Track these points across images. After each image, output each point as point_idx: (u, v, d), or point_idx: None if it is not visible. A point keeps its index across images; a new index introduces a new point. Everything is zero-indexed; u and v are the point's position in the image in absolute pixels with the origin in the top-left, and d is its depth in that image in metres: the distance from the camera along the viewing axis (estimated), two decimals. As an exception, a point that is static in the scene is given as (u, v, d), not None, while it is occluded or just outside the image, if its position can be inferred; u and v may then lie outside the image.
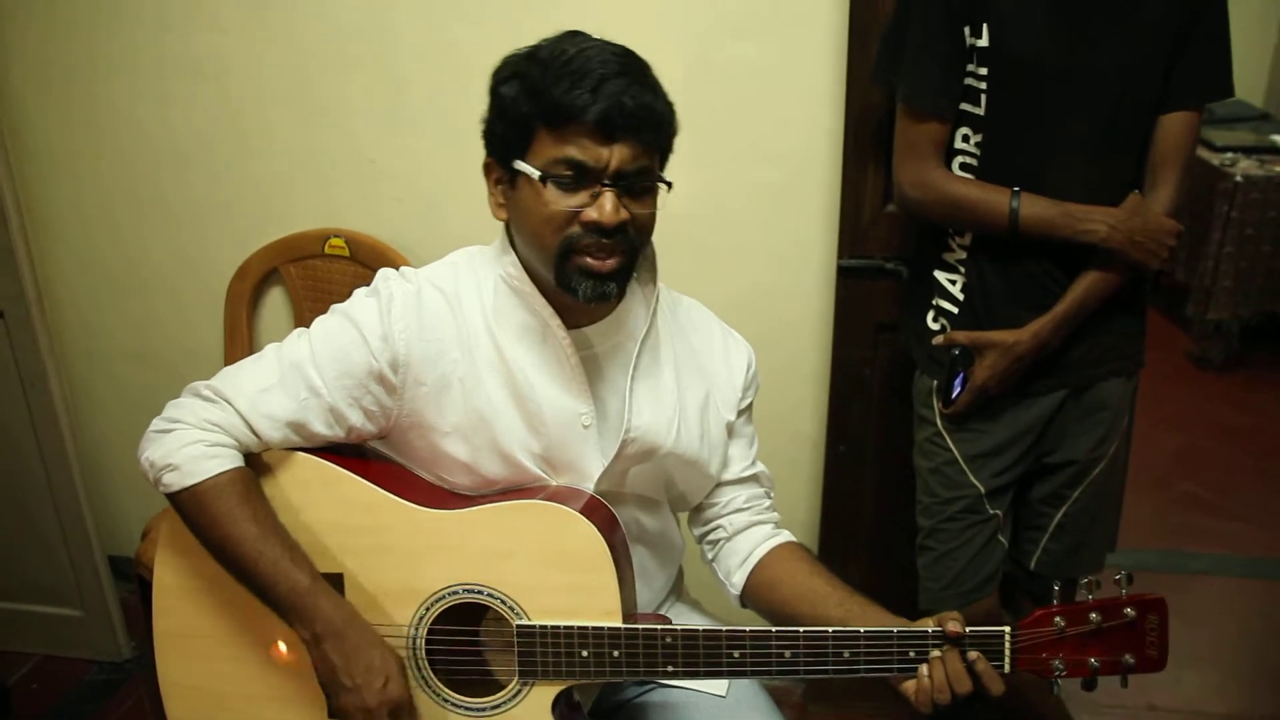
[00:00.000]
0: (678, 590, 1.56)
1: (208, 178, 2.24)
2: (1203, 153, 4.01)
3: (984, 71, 1.63)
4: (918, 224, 1.90)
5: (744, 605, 1.44)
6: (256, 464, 1.27)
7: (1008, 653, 1.17)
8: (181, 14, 2.11)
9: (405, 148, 2.14)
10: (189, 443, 1.22)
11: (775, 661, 1.19)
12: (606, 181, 1.16)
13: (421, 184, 2.16)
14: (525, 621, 1.22)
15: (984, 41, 1.61)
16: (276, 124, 2.17)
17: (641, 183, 1.20)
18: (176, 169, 2.24)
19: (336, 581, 1.25)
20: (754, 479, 1.46)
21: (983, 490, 1.77)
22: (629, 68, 1.17)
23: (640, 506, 1.37)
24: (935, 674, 1.17)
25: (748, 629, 1.20)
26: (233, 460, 1.23)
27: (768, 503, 1.47)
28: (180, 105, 2.18)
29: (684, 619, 1.51)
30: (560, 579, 1.21)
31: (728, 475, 1.44)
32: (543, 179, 1.17)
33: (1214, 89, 1.65)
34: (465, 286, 1.29)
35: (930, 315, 1.81)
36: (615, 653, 1.20)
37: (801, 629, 1.19)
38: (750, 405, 1.46)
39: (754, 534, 1.44)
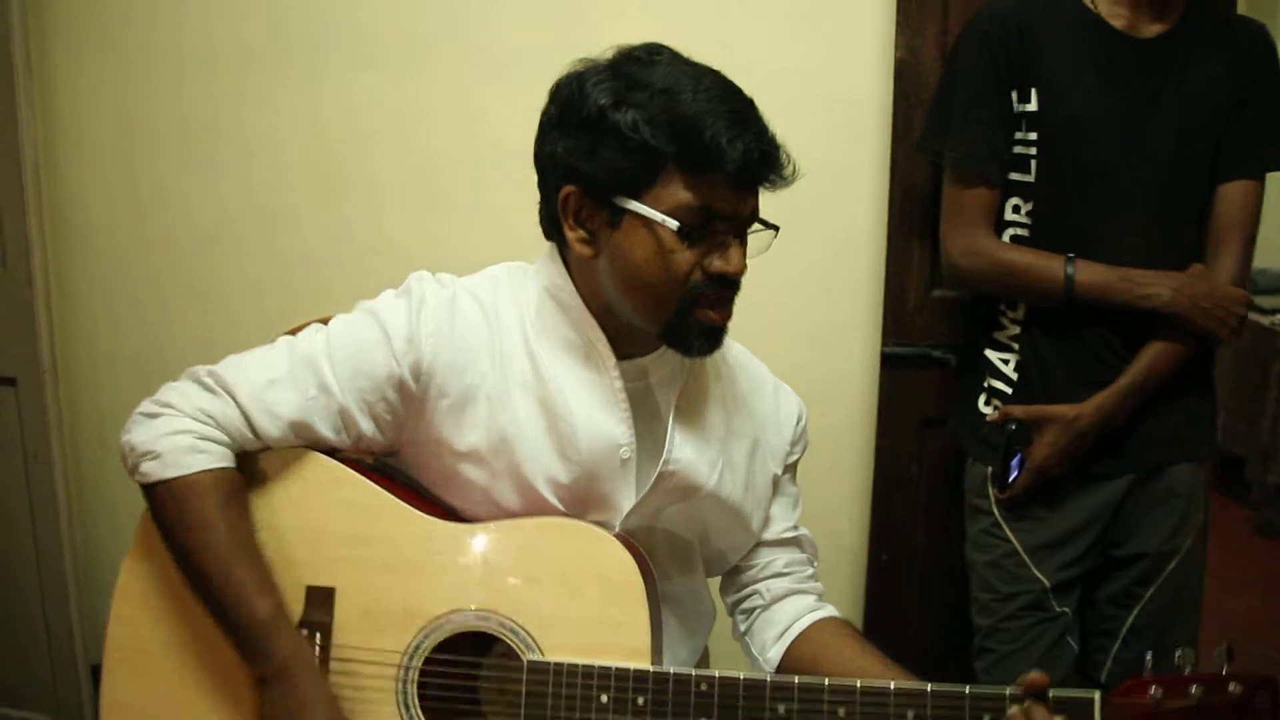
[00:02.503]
0: (704, 666, 1.39)
1: (239, 256, 2.20)
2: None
3: (1033, 137, 1.59)
4: (967, 305, 1.82)
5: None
6: (257, 453, 1.15)
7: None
8: (230, 90, 2.12)
9: (436, 226, 2.10)
10: (176, 431, 1.10)
11: (827, 717, 1.02)
12: (736, 232, 1.08)
13: (455, 260, 2.11)
14: (537, 657, 1.06)
15: (1033, 106, 1.58)
16: (305, 204, 2.14)
17: (754, 228, 1.11)
18: (208, 248, 2.21)
19: (327, 596, 1.11)
20: (795, 543, 1.32)
21: (1048, 584, 1.61)
22: (751, 104, 1.09)
23: (671, 555, 1.23)
24: None
25: (796, 679, 1.04)
26: (220, 459, 1.11)
27: (810, 571, 1.33)
28: (228, 181, 2.16)
29: None
30: (584, 610, 1.07)
31: (768, 535, 1.30)
32: (679, 228, 1.05)
33: (1274, 155, 1.59)
34: (504, 299, 1.18)
35: (982, 399, 1.71)
36: (640, 700, 1.04)
37: (859, 682, 1.03)
38: (796, 464, 1.34)
39: (794, 604, 1.29)
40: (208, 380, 1.14)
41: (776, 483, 1.30)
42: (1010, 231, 1.64)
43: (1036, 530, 1.63)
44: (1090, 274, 1.55)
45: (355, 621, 1.11)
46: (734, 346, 1.33)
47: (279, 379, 1.13)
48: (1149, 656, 1.01)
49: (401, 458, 1.19)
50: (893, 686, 1.02)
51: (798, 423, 1.32)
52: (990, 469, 1.67)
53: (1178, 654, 1.00)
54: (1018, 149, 1.61)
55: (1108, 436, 1.59)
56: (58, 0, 2.10)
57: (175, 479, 1.08)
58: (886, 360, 1.92)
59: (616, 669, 1.04)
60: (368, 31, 2.04)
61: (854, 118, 1.91)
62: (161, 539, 1.11)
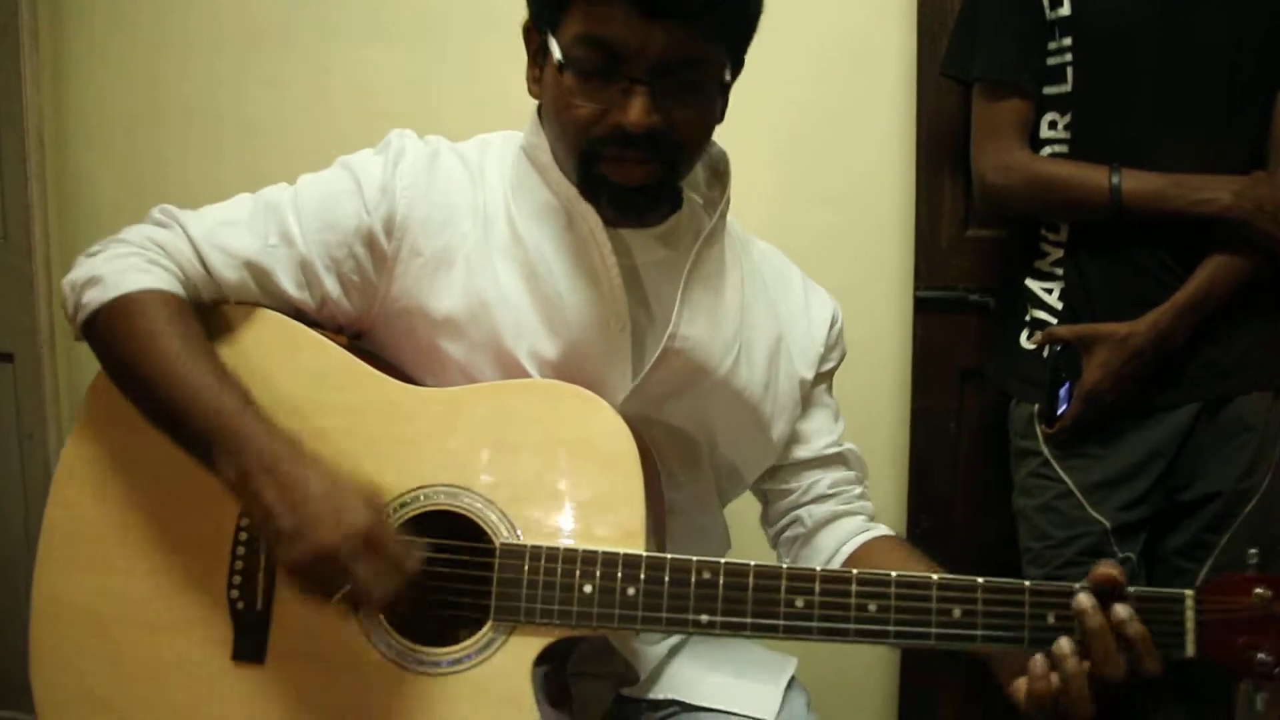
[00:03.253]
0: None
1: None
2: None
3: (1068, 43, 1.46)
4: (1004, 244, 1.68)
5: None
6: (210, 314, 1.03)
7: (1190, 625, 0.83)
8: (236, 71, 2.06)
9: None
10: (121, 256, 0.99)
11: (855, 617, 0.87)
12: (641, 76, 0.92)
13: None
14: (512, 540, 0.93)
15: (1065, 9, 1.45)
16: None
17: (687, 76, 0.94)
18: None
19: None
20: (840, 459, 1.18)
21: (1108, 525, 1.44)
22: None
23: (674, 451, 1.08)
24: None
25: (818, 568, 0.89)
26: (168, 284, 0.99)
27: (858, 490, 1.18)
28: (233, 163, 2.10)
29: (723, 650, 1.18)
30: (568, 484, 0.94)
31: (806, 452, 1.16)
32: (561, 65, 0.93)
33: None
34: (492, 161, 1.08)
35: (1024, 334, 1.55)
36: (630, 590, 0.89)
37: (894, 573, 0.88)
38: (832, 373, 1.20)
39: (841, 527, 1.15)
40: (160, 216, 1.04)
41: (807, 392, 1.16)
42: (1048, 150, 1.50)
43: (1092, 468, 1.46)
44: (1139, 181, 1.41)
45: None
46: (759, 243, 1.21)
47: (237, 221, 1.03)
48: (1253, 553, 0.84)
49: (373, 338, 1.07)
50: (935, 579, 0.87)
51: (831, 325, 1.18)
52: (1036, 406, 1.51)
53: None
54: (1051, 60, 1.48)
55: (1166, 362, 1.44)
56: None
57: (118, 297, 0.97)
58: (920, 305, 1.78)
59: (604, 553, 0.90)
60: (379, 6, 1.97)
61: (876, 51, 1.79)
62: (108, 371, 0.99)
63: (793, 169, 1.82)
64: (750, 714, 1.07)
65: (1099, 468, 1.46)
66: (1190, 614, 0.83)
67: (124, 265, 0.98)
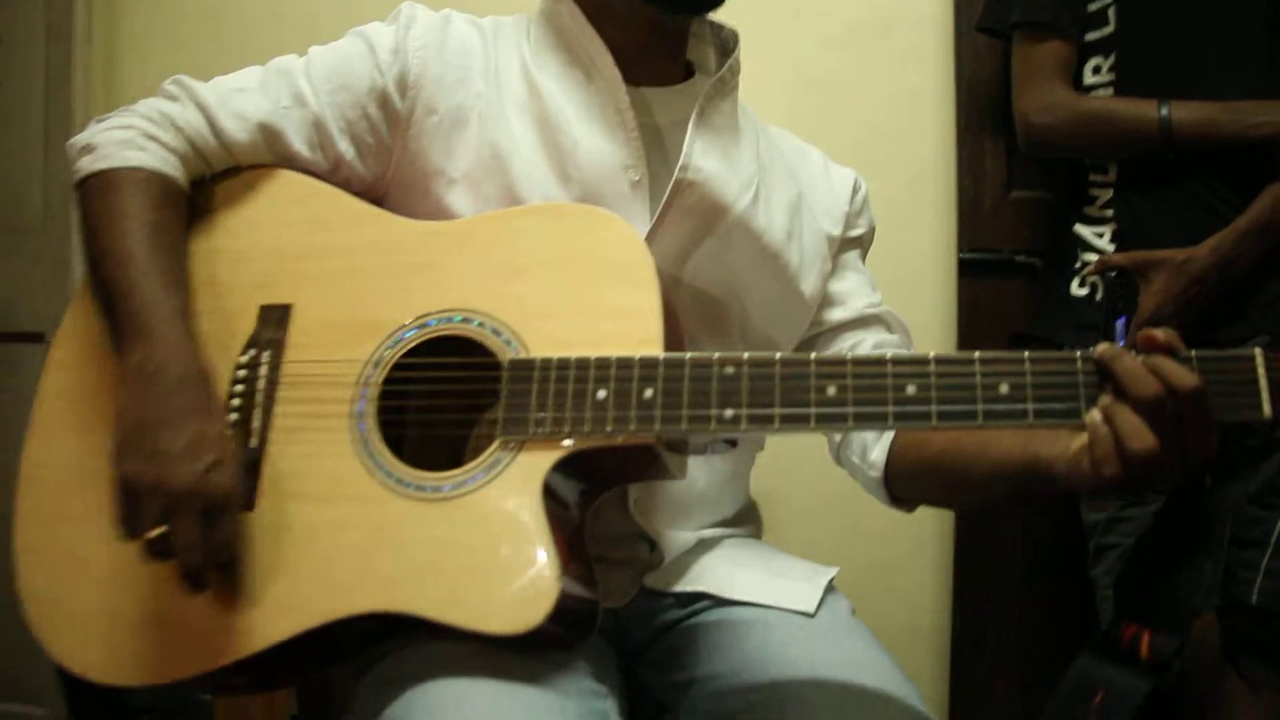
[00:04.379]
0: (750, 527, 1.15)
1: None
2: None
3: None
4: (1050, 204, 1.63)
5: (893, 496, 1.04)
6: (223, 177, 1.01)
7: (1264, 384, 0.73)
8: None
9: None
10: (121, 127, 0.97)
11: (894, 399, 0.78)
12: None
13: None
14: (521, 354, 0.86)
15: None
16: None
17: None
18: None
19: (282, 313, 0.93)
20: (880, 320, 1.11)
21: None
22: None
23: (699, 316, 1.02)
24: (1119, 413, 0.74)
25: (849, 355, 0.81)
26: (161, 162, 0.97)
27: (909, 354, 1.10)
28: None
29: (754, 550, 1.09)
30: (579, 298, 0.87)
31: (843, 313, 1.10)
32: None
33: None
34: (506, 27, 1.08)
35: (1075, 282, 1.48)
36: (647, 391, 0.81)
37: (932, 353, 0.80)
38: (862, 242, 1.16)
39: None
40: (171, 88, 1.03)
41: (836, 252, 1.11)
42: (1094, 95, 1.47)
43: (1153, 405, 1.36)
44: (1189, 111, 1.36)
45: (312, 338, 0.93)
46: (775, 126, 1.18)
47: (249, 87, 1.02)
48: None
49: (390, 205, 1.03)
50: (978, 355, 0.78)
51: (855, 192, 1.14)
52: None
53: None
54: (1093, 5, 1.46)
55: (1230, 295, 1.35)
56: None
57: (105, 170, 0.95)
58: (964, 268, 1.72)
59: (618, 358, 0.83)
60: None
61: (913, 15, 1.79)
62: (83, 239, 0.95)
63: (831, 136, 1.75)
64: (788, 607, 0.98)
65: (1161, 404, 1.36)
66: (1262, 370, 0.73)
67: (122, 137, 0.97)
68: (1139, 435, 0.73)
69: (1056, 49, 1.47)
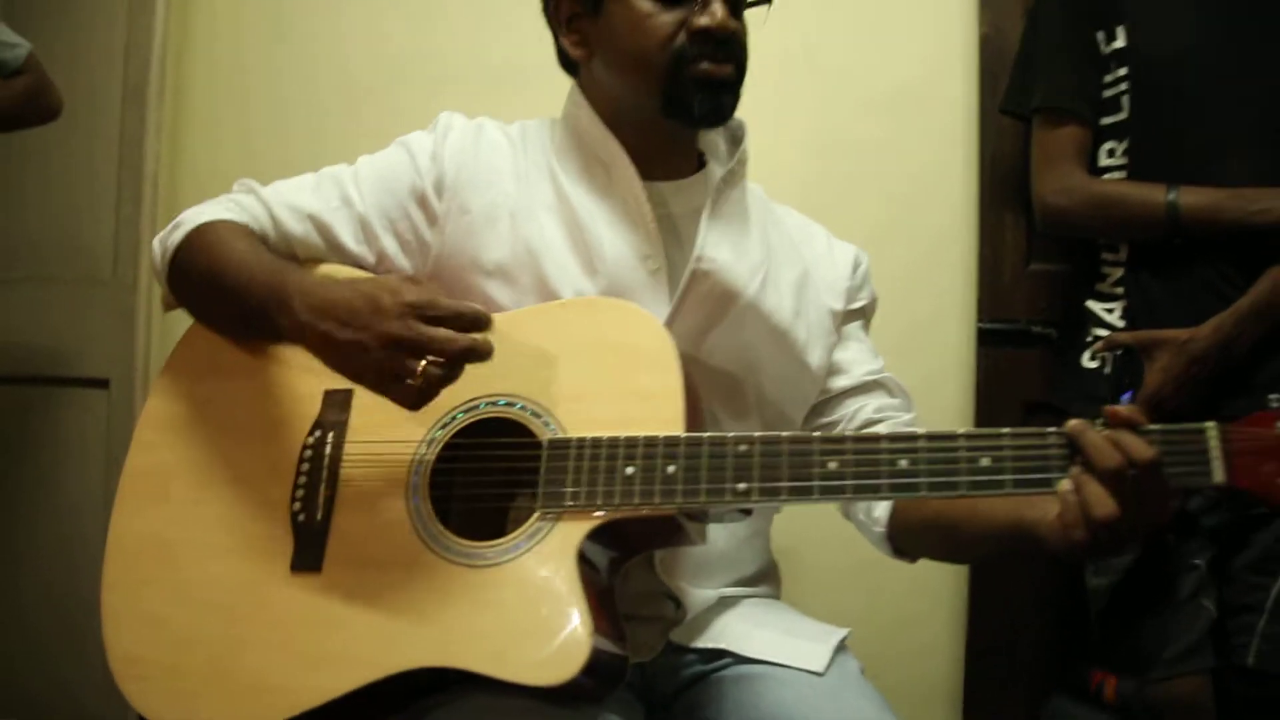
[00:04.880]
0: (769, 585, 1.23)
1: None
2: None
3: (1123, 73, 1.52)
4: (1066, 277, 1.70)
5: (896, 550, 1.13)
6: None
7: (1216, 453, 0.82)
8: (337, 132, 2.19)
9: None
10: (199, 210, 1.11)
11: (887, 473, 0.87)
12: None
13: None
14: (558, 435, 0.95)
15: (1120, 42, 1.52)
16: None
17: None
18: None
19: (345, 398, 1.03)
20: (881, 385, 1.20)
21: (1174, 532, 1.39)
22: None
23: (718, 392, 1.11)
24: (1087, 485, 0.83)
25: (849, 433, 0.90)
26: (243, 220, 1.10)
27: (908, 416, 1.19)
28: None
29: (772, 610, 1.17)
30: (609, 383, 0.97)
31: (846, 381, 1.19)
32: None
33: None
34: (533, 135, 1.19)
35: (1087, 355, 1.55)
36: (670, 468, 0.91)
37: (922, 431, 0.89)
38: (864, 313, 1.25)
39: None
40: (237, 186, 1.16)
41: (840, 324, 1.20)
42: (1108, 178, 1.55)
43: (1158, 477, 1.43)
44: (1195, 196, 1.43)
45: (371, 420, 1.02)
46: (783, 206, 1.28)
47: (304, 188, 1.15)
48: (1273, 397, 0.84)
49: None
50: (962, 430, 0.87)
51: (856, 267, 1.24)
52: (1099, 421, 1.49)
53: None
54: (1108, 91, 1.54)
55: (1232, 371, 1.42)
56: (197, 33, 2.28)
57: (197, 226, 1.08)
58: (984, 338, 1.79)
59: (644, 438, 0.92)
60: (481, 66, 2.10)
61: (940, 94, 1.87)
62: (191, 290, 1.09)
63: (859, 207, 1.89)
64: (800, 666, 1.06)
65: (1166, 474, 1.42)
66: (1215, 441, 0.82)
67: (201, 211, 1.11)
68: (1102, 502, 0.81)
69: (1073, 133, 1.55)
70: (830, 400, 1.19)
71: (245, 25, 2.27)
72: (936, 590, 1.83)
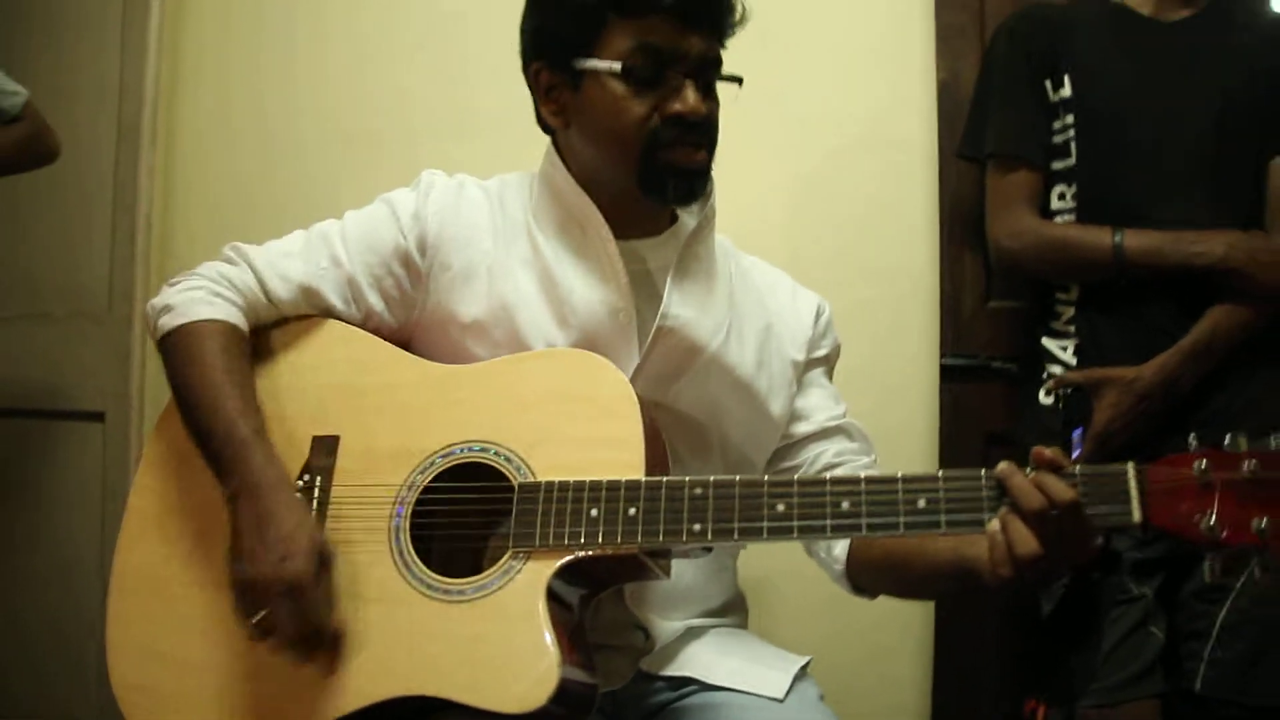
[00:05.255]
0: (737, 616, 1.29)
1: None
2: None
3: (1070, 119, 1.61)
4: (1024, 313, 1.78)
5: (856, 588, 1.21)
6: (275, 327, 1.20)
7: (1134, 493, 0.88)
8: (328, 172, 2.26)
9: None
10: (193, 288, 1.16)
11: (830, 514, 0.94)
12: (687, 72, 1.11)
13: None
14: (528, 479, 1.03)
15: (1067, 91, 1.61)
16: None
17: (712, 74, 1.14)
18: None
19: (332, 444, 1.11)
20: (842, 430, 1.26)
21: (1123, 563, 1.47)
22: None
23: (683, 435, 1.18)
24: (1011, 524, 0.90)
25: (796, 477, 0.98)
26: (228, 315, 1.15)
27: (867, 460, 1.26)
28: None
29: (737, 639, 1.24)
30: (575, 430, 1.04)
31: (807, 427, 1.25)
32: (624, 72, 1.10)
33: None
34: (510, 191, 1.25)
35: (1043, 392, 1.63)
36: (631, 510, 0.98)
37: (863, 473, 0.97)
38: (827, 360, 1.31)
39: None
40: (229, 253, 1.22)
41: (801, 374, 1.26)
42: (1059, 219, 1.63)
43: (1106, 508, 1.50)
44: (1139, 239, 1.52)
45: (357, 465, 1.10)
46: (750, 256, 1.34)
47: (294, 252, 1.21)
48: (1193, 436, 0.91)
49: (413, 347, 1.21)
50: (900, 474, 0.94)
51: (818, 316, 1.30)
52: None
53: (1227, 439, 0.90)
54: (1057, 137, 1.62)
55: (1176, 408, 1.49)
56: (186, 76, 2.35)
57: (183, 324, 1.14)
58: (946, 373, 1.87)
59: (607, 482, 1.00)
60: (465, 111, 2.17)
61: (901, 137, 1.95)
62: (170, 385, 1.14)
63: (824, 246, 1.97)
64: (760, 693, 1.13)
65: (1114, 507, 1.50)
66: (1133, 482, 0.88)
67: (192, 296, 1.16)
68: (1026, 541, 0.89)
69: (1025, 178, 1.63)
70: (793, 445, 1.25)
71: (231, 69, 2.34)
72: (906, 621, 1.90)
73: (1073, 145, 1.60)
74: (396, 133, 2.21)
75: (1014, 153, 1.63)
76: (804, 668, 1.20)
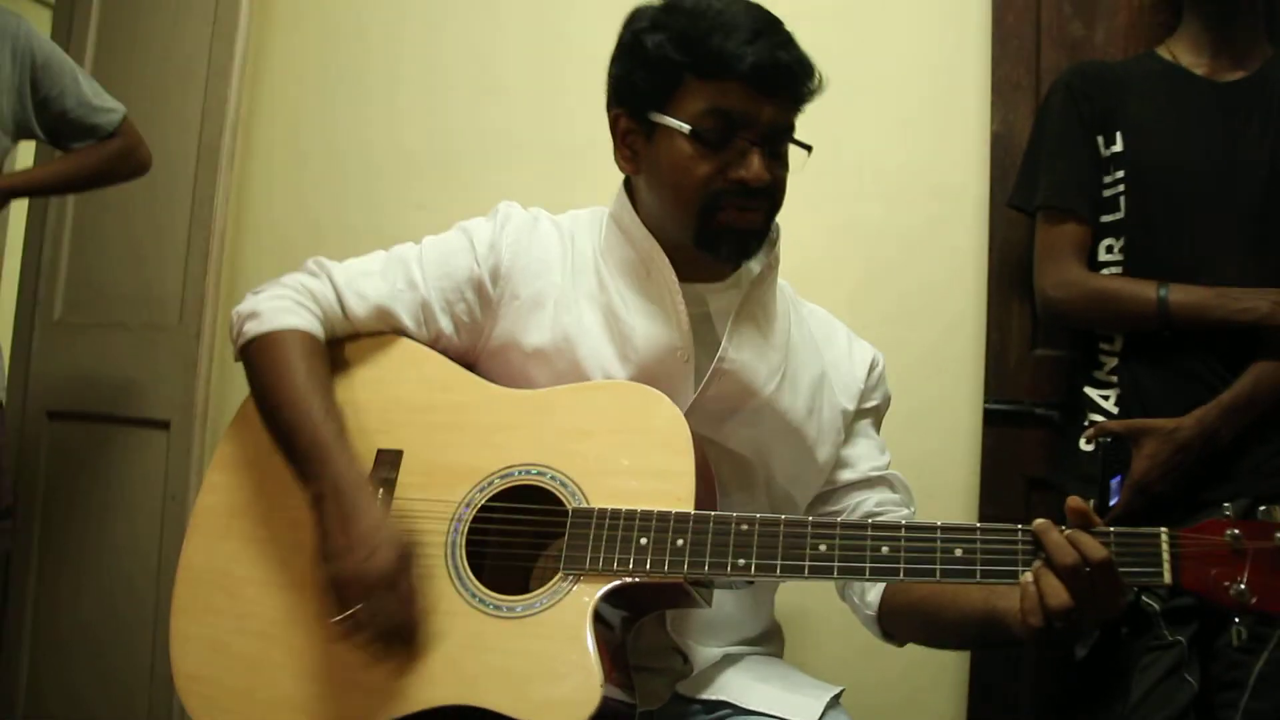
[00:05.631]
0: (772, 645, 1.33)
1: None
2: None
3: (1120, 175, 1.64)
4: (1068, 362, 1.80)
5: (886, 633, 1.25)
6: (349, 340, 1.26)
7: (1166, 557, 0.92)
8: (393, 196, 2.37)
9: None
10: (278, 297, 1.23)
11: (870, 557, 0.99)
12: (756, 140, 1.13)
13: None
14: (582, 504, 1.08)
15: (1119, 147, 1.64)
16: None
17: (783, 142, 1.17)
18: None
19: (395, 458, 1.17)
20: (885, 481, 1.31)
21: (1157, 608, 1.48)
22: (779, 24, 1.15)
23: (730, 469, 1.23)
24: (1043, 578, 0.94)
25: (839, 519, 1.02)
26: (309, 325, 1.22)
27: (906, 512, 1.30)
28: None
29: (772, 667, 1.28)
30: (632, 461, 1.09)
31: (851, 475, 1.29)
32: (694, 134, 1.13)
33: None
34: (582, 228, 1.30)
35: (1083, 439, 1.65)
36: (679, 540, 1.03)
37: (904, 522, 1.01)
38: (877, 412, 1.35)
39: None
40: (313, 266, 1.29)
41: (850, 423, 1.30)
42: (1106, 271, 1.66)
43: (1143, 557, 1.52)
44: (1184, 294, 1.54)
45: (418, 479, 1.16)
46: (810, 304, 1.38)
47: (373, 272, 1.27)
48: (1227, 506, 0.94)
49: (478, 370, 1.27)
50: (939, 524, 0.99)
51: (872, 369, 1.34)
52: (1092, 501, 1.59)
53: (1260, 510, 0.93)
54: (1107, 191, 1.65)
55: (1216, 460, 1.51)
56: (263, 103, 2.47)
57: (268, 332, 1.20)
58: (989, 418, 1.89)
59: (658, 512, 1.05)
60: (522, 140, 2.26)
61: (954, 186, 2.00)
62: (253, 390, 1.21)
63: (874, 290, 2.01)
64: (792, 718, 1.16)
65: (1150, 556, 1.51)
66: (1166, 546, 0.92)
67: (277, 305, 1.23)
68: (1057, 594, 0.93)
69: (1073, 231, 1.66)
70: (836, 491, 1.29)
71: (305, 98, 2.46)
72: (942, 661, 1.92)
73: (1122, 200, 1.63)
74: (468, 164, 2.31)
75: (1064, 205, 1.66)
76: (836, 697, 1.23)
